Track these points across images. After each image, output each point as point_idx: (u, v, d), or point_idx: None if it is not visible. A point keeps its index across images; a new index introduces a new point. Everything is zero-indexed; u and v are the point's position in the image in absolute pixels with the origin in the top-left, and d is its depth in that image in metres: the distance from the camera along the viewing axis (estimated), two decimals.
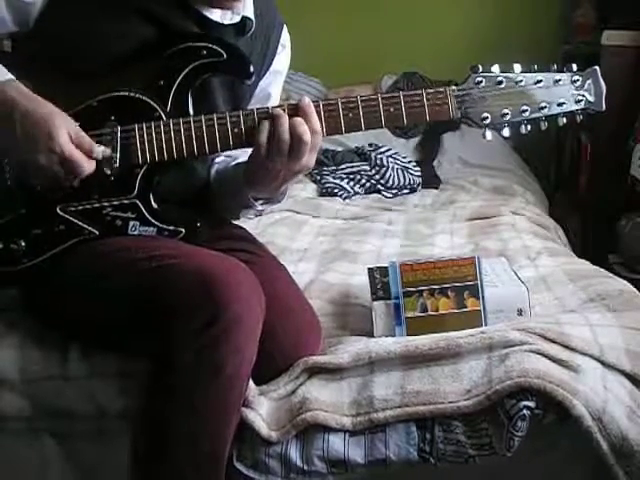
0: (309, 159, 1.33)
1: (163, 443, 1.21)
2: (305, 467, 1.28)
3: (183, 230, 1.39)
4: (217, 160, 1.59)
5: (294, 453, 1.28)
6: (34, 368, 1.38)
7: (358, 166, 2.92)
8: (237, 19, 1.45)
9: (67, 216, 1.36)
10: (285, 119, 1.31)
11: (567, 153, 3.53)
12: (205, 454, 1.22)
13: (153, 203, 1.38)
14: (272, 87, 1.60)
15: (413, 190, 2.92)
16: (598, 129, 3.00)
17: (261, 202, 1.49)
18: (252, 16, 1.46)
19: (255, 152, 1.35)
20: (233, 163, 1.55)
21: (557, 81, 1.37)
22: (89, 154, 1.29)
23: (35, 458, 1.41)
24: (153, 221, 1.38)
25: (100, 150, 1.31)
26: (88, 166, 1.29)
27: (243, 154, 1.48)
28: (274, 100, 1.60)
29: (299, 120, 1.31)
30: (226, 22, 1.44)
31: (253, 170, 1.39)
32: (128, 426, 1.30)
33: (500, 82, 1.36)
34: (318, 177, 2.93)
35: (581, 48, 3.21)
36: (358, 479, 1.31)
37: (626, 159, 2.80)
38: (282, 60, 1.60)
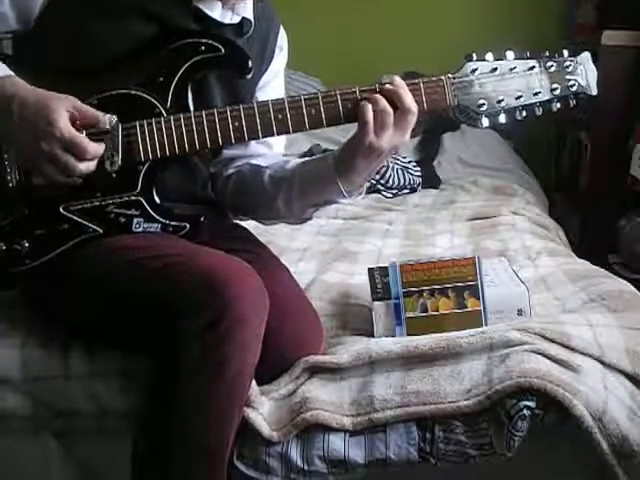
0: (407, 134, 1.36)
1: (166, 441, 1.22)
2: (305, 467, 1.28)
3: (187, 225, 1.39)
4: (262, 165, 1.57)
5: (294, 453, 1.29)
6: (36, 367, 1.38)
7: None
8: (237, 19, 1.46)
9: (70, 215, 1.36)
10: (378, 97, 1.33)
11: (567, 153, 3.53)
12: (207, 452, 1.22)
13: (156, 199, 1.38)
14: (272, 86, 1.60)
15: (413, 190, 2.92)
16: (598, 129, 3.00)
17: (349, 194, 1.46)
18: (251, 17, 1.47)
19: (361, 133, 1.34)
20: (298, 162, 1.53)
21: (549, 67, 1.40)
22: (94, 125, 1.29)
23: (37, 457, 1.41)
24: (157, 217, 1.38)
25: (106, 119, 1.30)
26: (93, 147, 1.28)
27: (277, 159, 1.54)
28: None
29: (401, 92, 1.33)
30: (226, 21, 1.45)
31: (351, 156, 1.38)
32: (130, 425, 1.31)
33: (494, 69, 1.38)
34: None
35: (581, 48, 3.21)
36: (358, 479, 1.31)
37: (626, 159, 2.80)
38: (280, 62, 1.61)
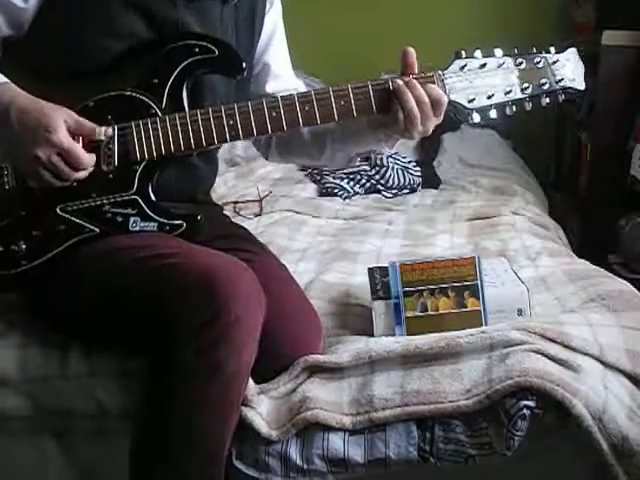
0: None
1: (162, 442, 1.22)
2: (305, 466, 1.28)
3: (184, 224, 1.40)
4: None
5: (294, 452, 1.29)
6: (34, 367, 1.38)
7: (358, 166, 2.90)
8: None
9: (67, 216, 1.37)
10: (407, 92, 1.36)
11: (567, 153, 3.53)
12: (204, 453, 1.22)
13: (153, 198, 1.39)
14: (274, 44, 1.60)
15: (413, 190, 2.92)
16: (598, 129, 3.00)
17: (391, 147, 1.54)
18: None
19: (394, 126, 1.38)
20: None
21: (537, 62, 1.42)
22: (92, 137, 1.31)
23: (35, 457, 1.41)
24: (154, 216, 1.39)
25: (102, 130, 1.32)
26: (88, 158, 1.29)
27: None
28: (280, 59, 1.61)
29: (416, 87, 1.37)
30: None
31: (391, 132, 1.43)
32: (128, 426, 1.30)
33: (484, 65, 1.41)
34: (318, 177, 2.93)
35: (581, 48, 3.21)
36: (358, 478, 1.31)
37: (626, 159, 2.80)
38: (273, 17, 1.60)
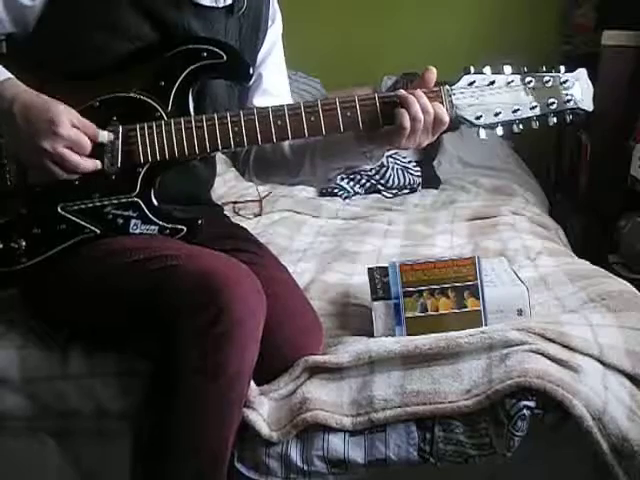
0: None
1: (165, 443, 1.22)
2: (305, 467, 1.28)
3: (184, 229, 1.40)
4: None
5: (294, 453, 1.29)
6: (34, 368, 1.38)
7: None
8: (230, 1, 1.46)
9: (68, 215, 1.37)
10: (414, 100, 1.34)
11: (567, 153, 3.53)
12: (207, 454, 1.22)
13: (154, 201, 1.39)
14: (271, 59, 1.60)
15: (413, 190, 2.92)
16: (598, 129, 3.00)
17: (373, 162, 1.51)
18: None
19: (395, 135, 1.36)
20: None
21: (546, 82, 1.41)
22: (94, 139, 1.31)
23: (35, 458, 1.41)
24: (154, 219, 1.39)
25: (105, 134, 1.32)
26: (90, 145, 1.29)
27: None
28: (273, 77, 1.60)
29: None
30: (220, 5, 1.45)
31: (379, 145, 1.42)
32: (128, 426, 1.31)
33: (492, 82, 1.40)
34: None
35: (581, 48, 3.21)
36: (358, 479, 1.31)
37: (626, 159, 2.80)
38: (274, 33, 1.60)
